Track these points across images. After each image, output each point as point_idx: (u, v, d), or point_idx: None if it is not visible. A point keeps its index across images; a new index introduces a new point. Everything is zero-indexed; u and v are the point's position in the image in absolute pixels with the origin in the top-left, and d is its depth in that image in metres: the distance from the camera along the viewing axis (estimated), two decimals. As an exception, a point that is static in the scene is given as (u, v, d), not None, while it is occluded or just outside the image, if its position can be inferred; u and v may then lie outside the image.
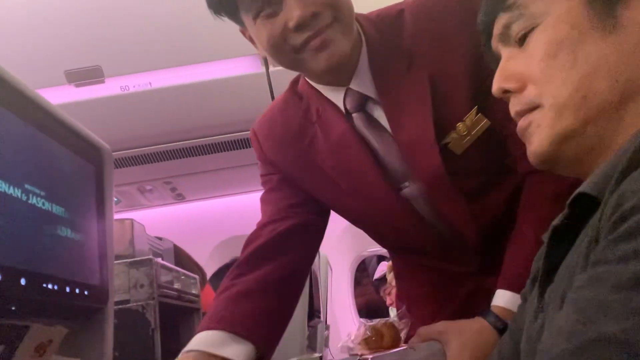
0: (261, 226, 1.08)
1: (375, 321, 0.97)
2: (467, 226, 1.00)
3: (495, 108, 0.90)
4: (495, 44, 0.66)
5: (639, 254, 0.38)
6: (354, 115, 0.99)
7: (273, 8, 0.86)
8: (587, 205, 0.51)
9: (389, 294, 3.02)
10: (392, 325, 0.96)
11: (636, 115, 0.53)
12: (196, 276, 1.65)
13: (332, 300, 3.36)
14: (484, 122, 0.93)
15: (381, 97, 0.96)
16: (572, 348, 0.38)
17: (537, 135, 0.58)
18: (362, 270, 3.71)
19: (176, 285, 1.44)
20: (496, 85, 0.63)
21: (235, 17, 0.92)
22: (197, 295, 1.61)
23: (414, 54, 0.94)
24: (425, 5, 0.96)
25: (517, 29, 0.61)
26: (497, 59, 0.66)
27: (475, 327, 0.88)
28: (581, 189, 0.52)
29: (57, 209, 0.80)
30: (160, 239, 1.81)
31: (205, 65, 2.34)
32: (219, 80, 2.35)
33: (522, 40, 0.60)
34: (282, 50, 0.89)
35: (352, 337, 0.97)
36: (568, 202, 0.53)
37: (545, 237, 0.58)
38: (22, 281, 0.70)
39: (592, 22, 0.55)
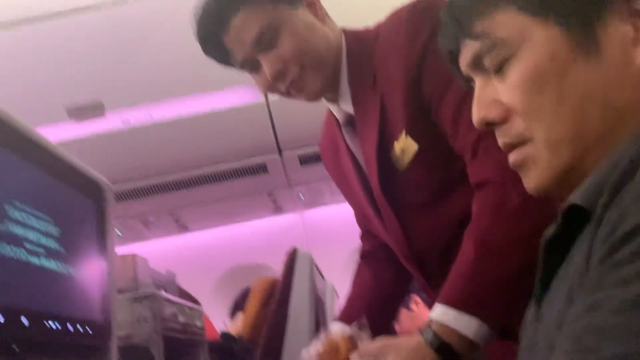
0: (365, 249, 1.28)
1: (334, 332, 0.95)
2: (400, 245, 1.06)
3: (442, 117, 0.94)
4: (464, 68, 0.62)
5: None
6: (343, 129, 1.10)
7: (257, 69, 1.02)
8: (579, 216, 0.50)
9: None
10: (349, 338, 0.93)
11: (633, 131, 0.50)
12: (201, 309, 1.63)
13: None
14: (412, 145, 0.97)
15: (355, 114, 1.05)
16: None
17: (535, 172, 0.56)
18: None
19: (180, 318, 1.42)
20: (478, 115, 0.59)
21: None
22: (201, 328, 1.60)
23: (377, 73, 1.01)
24: (385, 26, 1.03)
25: (490, 61, 0.57)
26: (466, 78, 0.63)
27: (412, 344, 0.87)
28: (572, 199, 0.50)
29: (57, 247, 0.79)
30: (163, 272, 1.80)
31: (205, 96, 2.35)
32: (220, 111, 2.37)
33: (498, 69, 0.57)
34: (275, 92, 1.05)
35: (310, 349, 0.94)
36: (560, 212, 0.52)
37: (541, 245, 0.57)
38: (24, 320, 0.70)
39: (573, 51, 0.52)
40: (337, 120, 1.12)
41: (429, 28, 0.93)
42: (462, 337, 0.82)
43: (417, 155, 0.97)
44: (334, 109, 1.11)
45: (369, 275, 1.23)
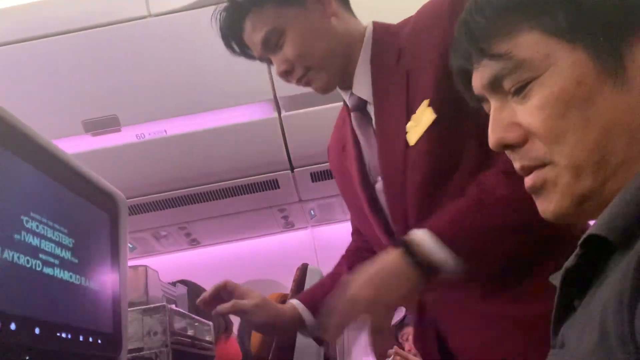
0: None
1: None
2: (403, 227, 1.00)
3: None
4: (479, 88, 0.60)
5: None
6: (352, 114, 1.12)
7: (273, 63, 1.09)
8: (598, 246, 0.48)
9: (407, 339, 2.95)
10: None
11: None
12: (210, 323, 1.64)
13: (348, 346, 3.30)
14: (430, 114, 0.96)
15: (375, 93, 1.07)
16: None
17: (555, 195, 0.55)
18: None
19: (190, 332, 1.43)
20: (495, 137, 0.58)
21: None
22: (210, 342, 1.60)
23: (402, 50, 1.04)
24: (420, 10, 1.06)
25: (511, 83, 0.56)
26: (478, 98, 0.62)
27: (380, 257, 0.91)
28: (593, 230, 0.49)
29: (71, 258, 0.81)
30: (174, 284, 1.81)
31: (218, 112, 2.37)
32: (232, 125, 2.38)
33: (518, 91, 0.55)
34: (290, 82, 1.11)
35: None
36: (580, 242, 0.51)
37: (555, 278, 0.56)
38: (36, 330, 0.70)
39: (600, 77, 0.51)
40: (348, 108, 1.14)
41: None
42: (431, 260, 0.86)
43: (431, 127, 0.96)
44: (346, 96, 1.14)
45: (344, 269, 1.24)
